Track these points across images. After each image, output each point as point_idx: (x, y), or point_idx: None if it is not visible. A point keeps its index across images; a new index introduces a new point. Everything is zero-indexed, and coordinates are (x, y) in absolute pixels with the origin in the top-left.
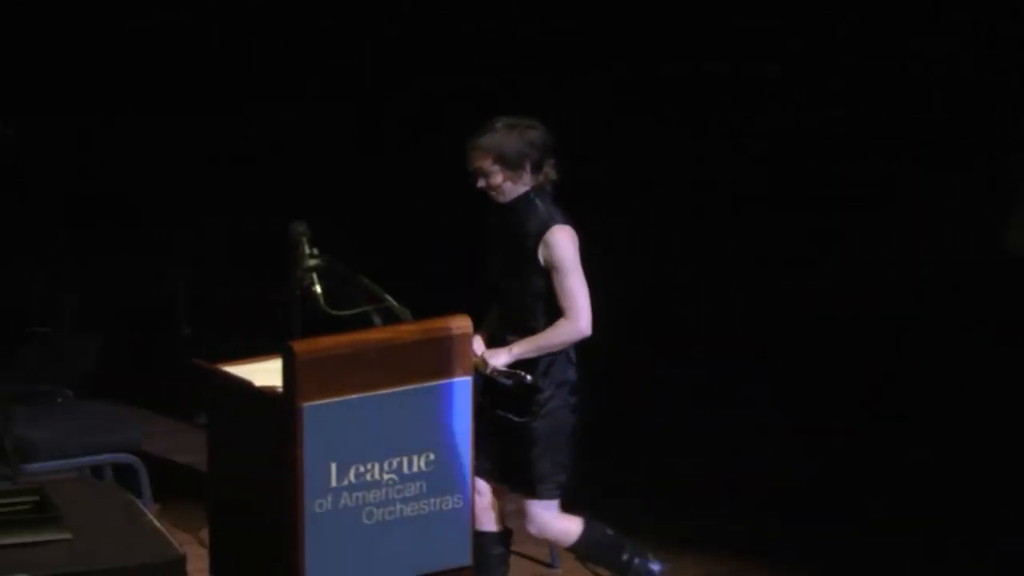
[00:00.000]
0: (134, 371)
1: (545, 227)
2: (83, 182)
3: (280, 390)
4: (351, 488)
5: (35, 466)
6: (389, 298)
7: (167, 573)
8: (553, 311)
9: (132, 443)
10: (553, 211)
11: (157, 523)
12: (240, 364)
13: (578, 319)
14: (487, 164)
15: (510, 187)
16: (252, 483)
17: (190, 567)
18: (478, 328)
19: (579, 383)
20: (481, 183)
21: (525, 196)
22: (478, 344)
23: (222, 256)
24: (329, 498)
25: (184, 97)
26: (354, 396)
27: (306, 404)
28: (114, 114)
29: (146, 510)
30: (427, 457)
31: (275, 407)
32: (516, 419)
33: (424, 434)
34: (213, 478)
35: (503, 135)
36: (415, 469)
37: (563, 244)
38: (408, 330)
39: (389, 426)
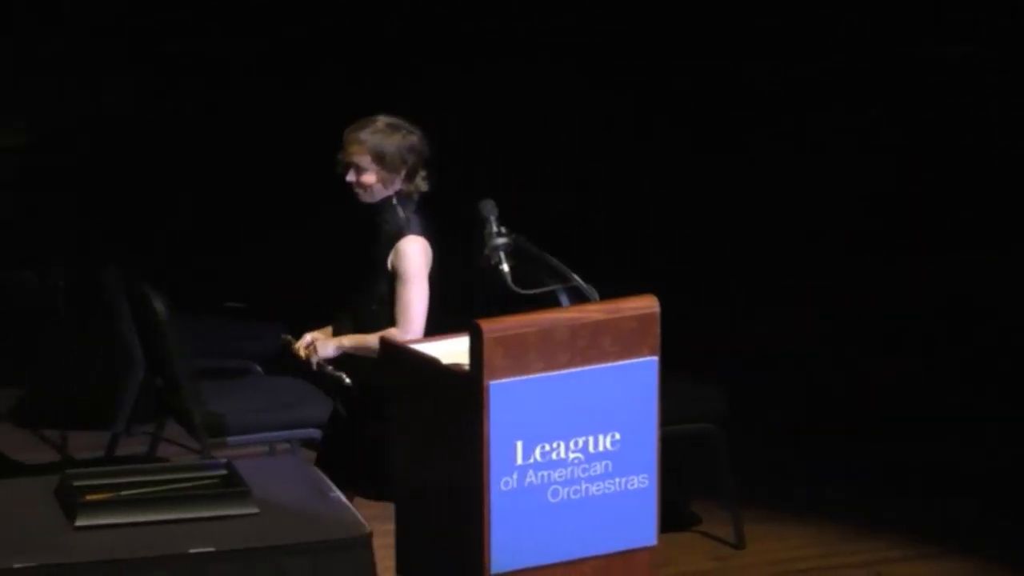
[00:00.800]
0: None
1: (399, 234)
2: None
3: (467, 368)
4: (537, 466)
5: (223, 440)
6: (576, 277)
7: (354, 549)
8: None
9: (320, 419)
10: (412, 219)
11: (344, 499)
12: (427, 342)
13: (407, 331)
14: (364, 160)
15: (379, 189)
16: (438, 460)
17: (376, 543)
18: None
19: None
20: (351, 177)
21: (387, 200)
22: (311, 335)
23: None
24: (515, 476)
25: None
26: (540, 375)
27: (492, 382)
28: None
29: (333, 485)
30: (613, 436)
31: (462, 385)
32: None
33: (610, 413)
34: (399, 455)
35: (385, 134)
36: (601, 448)
37: (412, 254)
38: (595, 309)
39: (575, 405)
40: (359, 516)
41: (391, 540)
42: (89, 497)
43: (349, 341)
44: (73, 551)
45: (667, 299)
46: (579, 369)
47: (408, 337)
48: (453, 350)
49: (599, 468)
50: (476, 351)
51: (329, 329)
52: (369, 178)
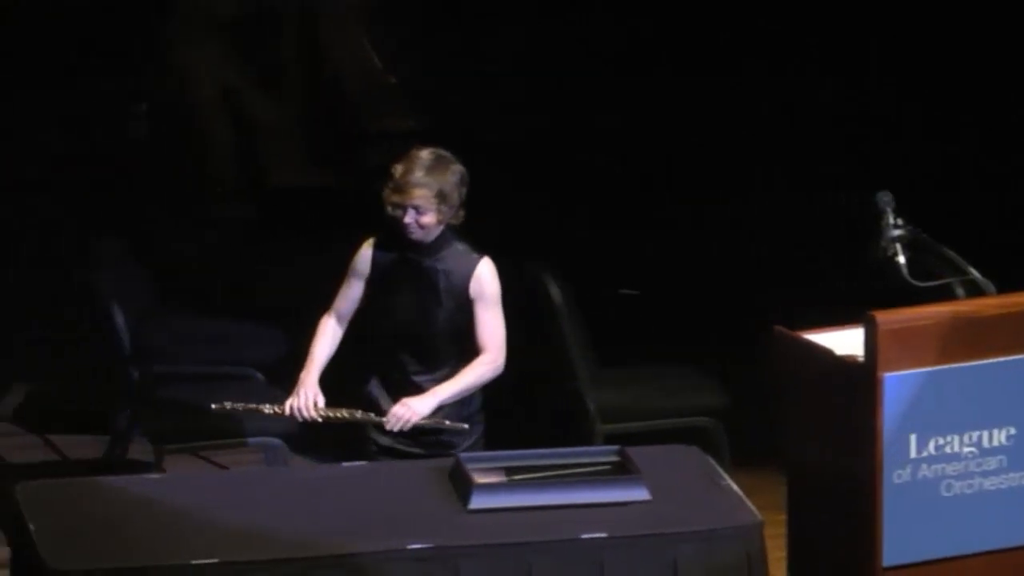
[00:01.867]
0: (716, 335)
1: (475, 261)
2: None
3: (860, 359)
4: (930, 460)
5: (616, 427)
6: (972, 270)
7: (745, 538)
8: (467, 348)
9: (714, 406)
10: (469, 246)
11: (735, 487)
12: (821, 332)
13: (500, 356)
14: (428, 202)
15: (437, 226)
16: (830, 450)
17: (768, 532)
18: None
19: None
20: (411, 218)
21: (443, 234)
22: (311, 390)
23: (807, 224)
24: (908, 469)
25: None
26: (935, 368)
27: (886, 374)
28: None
29: (724, 474)
30: (1007, 432)
31: (855, 376)
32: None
33: (1005, 408)
34: (791, 443)
35: (441, 172)
36: (995, 443)
37: (495, 277)
38: (992, 303)
39: (969, 399)
40: (751, 505)
41: (783, 530)
42: (483, 480)
43: (446, 392)
44: (465, 533)
45: None
46: (975, 363)
47: (501, 361)
48: (846, 341)
49: (993, 463)
50: (871, 343)
51: (314, 379)
52: (430, 218)
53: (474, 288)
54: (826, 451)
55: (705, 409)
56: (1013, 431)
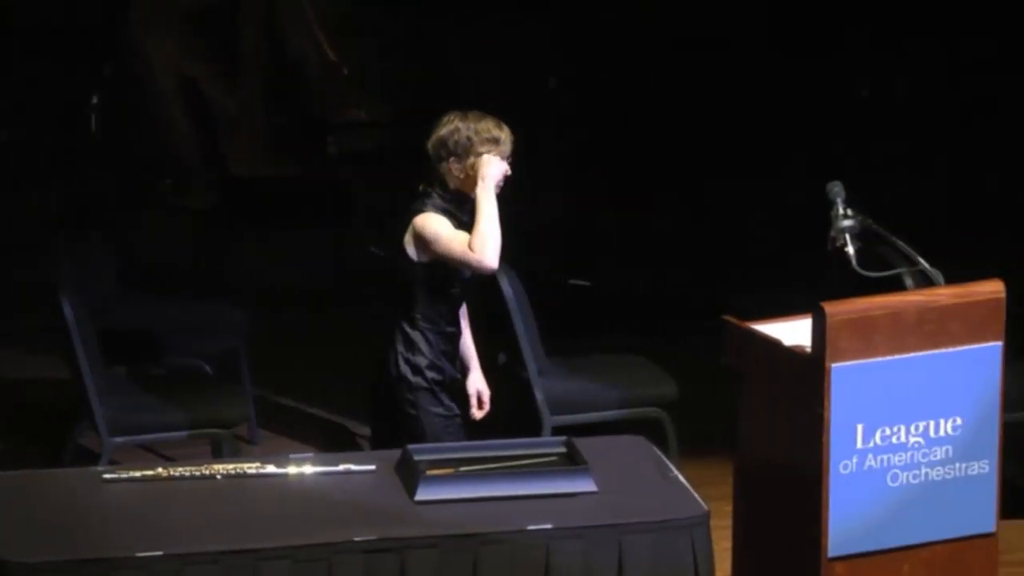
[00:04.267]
0: (665, 325)
1: None
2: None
3: (809, 350)
4: (876, 450)
5: (564, 418)
6: (922, 261)
7: (692, 529)
8: None
9: (663, 397)
10: None
11: (683, 478)
12: (771, 322)
13: None
14: None
15: None
16: (777, 441)
17: (713, 523)
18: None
19: None
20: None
21: None
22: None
23: (762, 212)
24: (854, 459)
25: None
26: (883, 358)
27: (835, 365)
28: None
29: (672, 465)
30: (954, 421)
31: (804, 367)
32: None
33: (953, 398)
34: (741, 435)
35: None
36: (942, 433)
37: None
38: (944, 293)
39: (917, 389)
40: (697, 496)
41: (729, 521)
42: (430, 472)
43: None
44: (412, 525)
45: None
46: (924, 353)
47: None
48: (797, 332)
49: (939, 453)
50: (819, 333)
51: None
52: None
53: None
54: (773, 442)
55: (654, 400)
56: (959, 421)
